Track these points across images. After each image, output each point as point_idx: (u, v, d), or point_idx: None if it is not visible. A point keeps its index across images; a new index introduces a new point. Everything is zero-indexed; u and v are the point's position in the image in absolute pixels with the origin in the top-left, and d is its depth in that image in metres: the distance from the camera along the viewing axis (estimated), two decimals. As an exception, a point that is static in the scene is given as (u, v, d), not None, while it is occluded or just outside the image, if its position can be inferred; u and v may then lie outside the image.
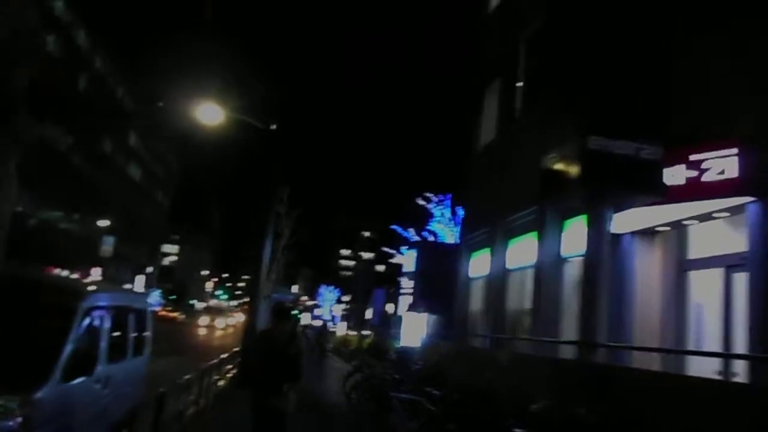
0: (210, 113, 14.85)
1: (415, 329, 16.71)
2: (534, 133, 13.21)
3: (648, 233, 9.69)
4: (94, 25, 55.87)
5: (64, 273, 49.15)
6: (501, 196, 14.87)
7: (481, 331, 15.29)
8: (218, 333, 47.45)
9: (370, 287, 48.64)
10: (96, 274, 58.25)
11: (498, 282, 14.50)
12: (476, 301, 16.96)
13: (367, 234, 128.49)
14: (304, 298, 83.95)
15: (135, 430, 7.67)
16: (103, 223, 49.52)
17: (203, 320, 58.08)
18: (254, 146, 15.87)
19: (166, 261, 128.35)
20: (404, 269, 29.29)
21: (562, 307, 11.42)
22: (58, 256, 50.94)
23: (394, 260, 36.54)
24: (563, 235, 11.71)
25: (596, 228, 7.25)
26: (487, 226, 15.54)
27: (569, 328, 11.26)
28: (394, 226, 34.74)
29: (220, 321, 55.96)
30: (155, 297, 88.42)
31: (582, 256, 10.57)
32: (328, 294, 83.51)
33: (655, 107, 7.76)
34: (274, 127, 13.98)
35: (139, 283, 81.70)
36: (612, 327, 7.77)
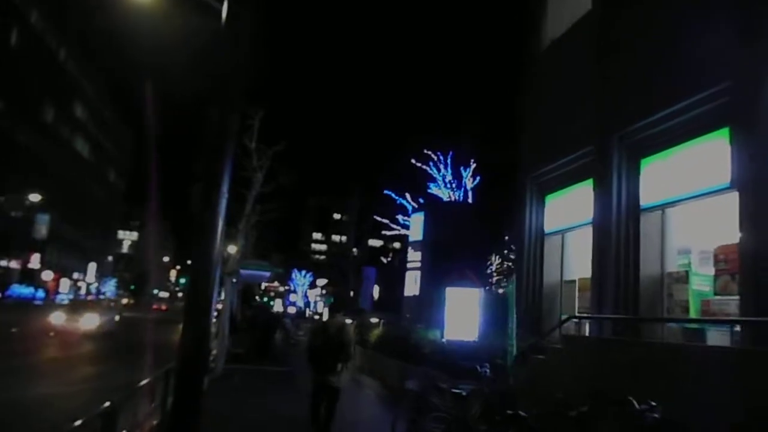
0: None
1: (465, 313, 10.92)
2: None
3: None
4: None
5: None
6: (615, 96, 9.09)
7: (588, 310, 9.58)
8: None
9: (350, 268, 42.94)
10: (35, 260, 50.99)
11: (619, 231, 8.74)
12: (554, 267, 11.23)
13: (338, 216, 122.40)
14: (275, 284, 77.56)
15: None
16: (35, 197, 42.01)
17: (56, 317, 25.25)
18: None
19: (125, 248, 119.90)
20: (410, 238, 23.49)
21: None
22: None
23: (389, 232, 30.66)
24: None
25: None
26: (585, 147, 9.76)
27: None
28: (387, 192, 28.85)
29: (91, 318, 24.67)
30: (110, 287, 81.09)
31: None
32: (300, 278, 77.42)
33: None
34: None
35: (91, 271, 74.23)
36: None
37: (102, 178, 79.12)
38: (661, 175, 8.39)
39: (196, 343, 5.79)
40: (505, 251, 53.80)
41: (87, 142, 70.91)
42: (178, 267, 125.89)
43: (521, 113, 12.94)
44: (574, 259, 10.98)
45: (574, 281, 10.74)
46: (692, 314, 7.87)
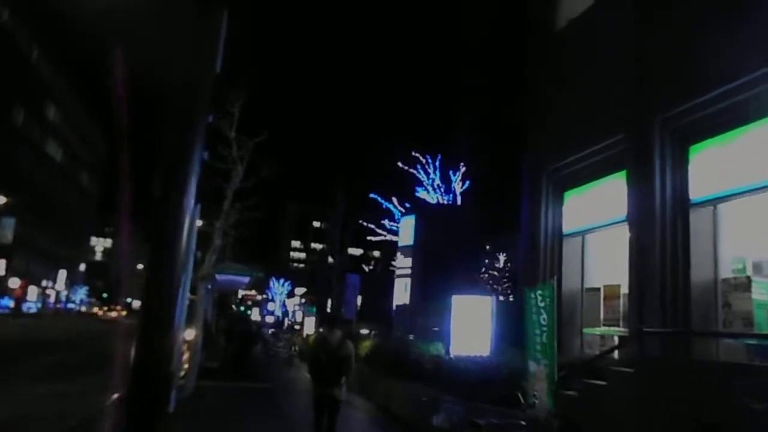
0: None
1: (474, 325, 9.56)
2: None
3: None
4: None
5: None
6: (656, 75, 7.88)
7: (616, 321, 8.31)
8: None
9: (334, 275, 41.36)
10: (0, 266, 48.50)
11: (664, 230, 7.48)
12: (573, 273, 9.95)
13: (318, 224, 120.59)
14: (253, 292, 75.51)
15: None
16: (0, 200, 39.78)
17: None
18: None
19: (98, 256, 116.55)
20: (399, 244, 22.10)
21: None
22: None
23: (375, 238, 29.22)
24: None
25: None
26: (616, 135, 8.52)
27: None
28: (373, 195, 27.45)
29: None
30: (81, 295, 78.31)
31: None
32: (279, 287, 75.42)
33: None
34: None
35: (61, 278, 71.45)
36: None
37: (75, 183, 76.46)
38: (716, 164, 7.16)
39: (155, 365, 4.31)
40: (486, 261, 52.87)
41: (59, 145, 68.37)
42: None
43: (533, 103, 11.71)
44: (597, 263, 9.74)
45: (598, 289, 9.48)
46: (756, 328, 6.64)
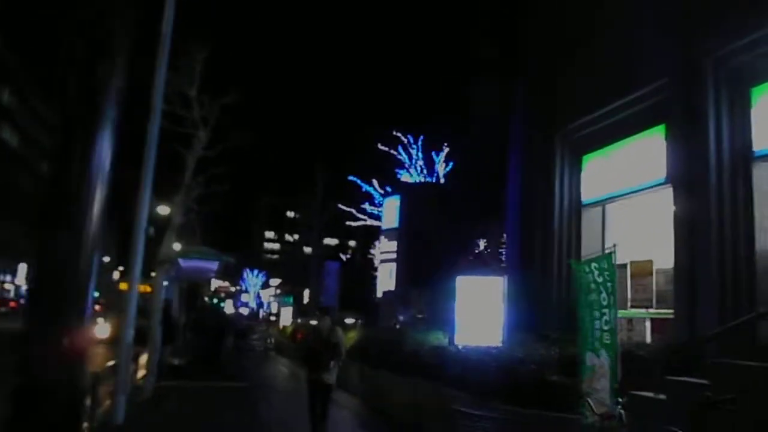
0: None
1: (482, 310, 8.21)
2: None
3: None
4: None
5: None
6: (706, 7, 6.58)
7: (647, 302, 7.06)
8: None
9: (313, 264, 39.89)
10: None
11: (721, 190, 6.21)
12: (592, 248, 8.64)
13: (292, 215, 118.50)
14: (226, 284, 73.44)
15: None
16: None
17: None
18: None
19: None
20: (383, 227, 20.69)
21: None
22: None
23: (355, 223, 27.66)
24: None
25: None
26: (650, 83, 7.21)
27: None
28: (353, 178, 25.86)
29: None
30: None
31: None
32: (252, 278, 73.39)
33: None
34: None
35: (22, 272, 68.24)
36: None
37: (34, 172, 73.04)
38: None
39: (51, 382, 2.77)
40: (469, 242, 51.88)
41: (15, 132, 64.97)
42: (121, 268, 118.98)
43: (542, 60, 10.34)
44: (622, 236, 8.47)
45: (624, 266, 8.20)
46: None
